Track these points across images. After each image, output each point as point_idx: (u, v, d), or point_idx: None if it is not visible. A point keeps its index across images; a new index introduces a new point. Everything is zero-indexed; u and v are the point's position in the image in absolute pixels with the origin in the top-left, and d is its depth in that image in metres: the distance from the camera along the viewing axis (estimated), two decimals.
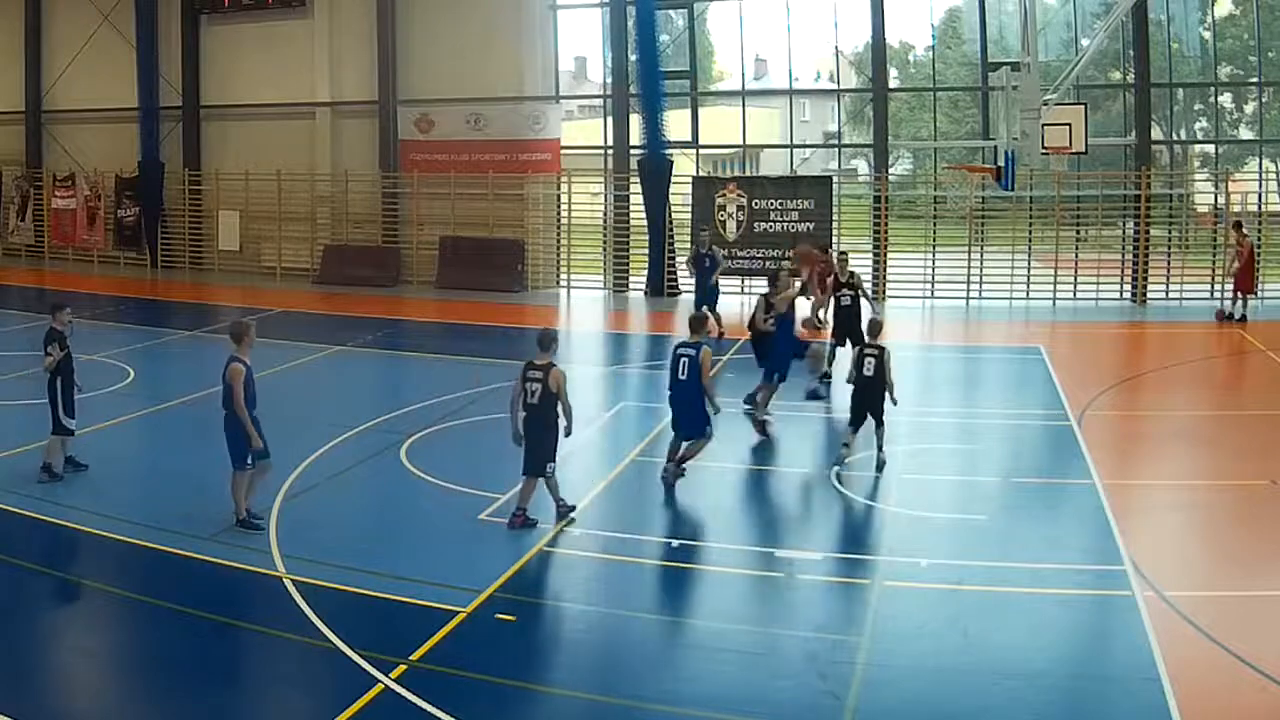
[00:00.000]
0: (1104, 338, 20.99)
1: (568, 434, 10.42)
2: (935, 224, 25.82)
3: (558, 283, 27.28)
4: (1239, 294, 21.06)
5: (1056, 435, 13.61)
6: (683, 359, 11.30)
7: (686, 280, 25.91)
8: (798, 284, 15.32)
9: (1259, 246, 23.84)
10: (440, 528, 10.63)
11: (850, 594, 9.17)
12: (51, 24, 31.34)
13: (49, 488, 11.42)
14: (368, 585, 9.03)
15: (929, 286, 24.80)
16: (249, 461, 10.24)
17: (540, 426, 10.23)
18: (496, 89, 26.79)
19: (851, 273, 16.28)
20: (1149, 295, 23.74)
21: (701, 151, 27.59)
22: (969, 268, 24.41)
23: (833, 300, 16.17)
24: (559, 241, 27.44)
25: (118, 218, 30.31)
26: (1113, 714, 7.24)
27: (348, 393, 16.38)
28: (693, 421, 11.37)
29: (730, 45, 28.01)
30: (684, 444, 11.51)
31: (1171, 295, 23.75)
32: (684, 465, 11.54)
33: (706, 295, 19.65)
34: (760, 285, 25.28)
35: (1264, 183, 25.05)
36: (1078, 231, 25.46)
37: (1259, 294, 22.54)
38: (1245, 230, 21.67)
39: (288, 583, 9.10)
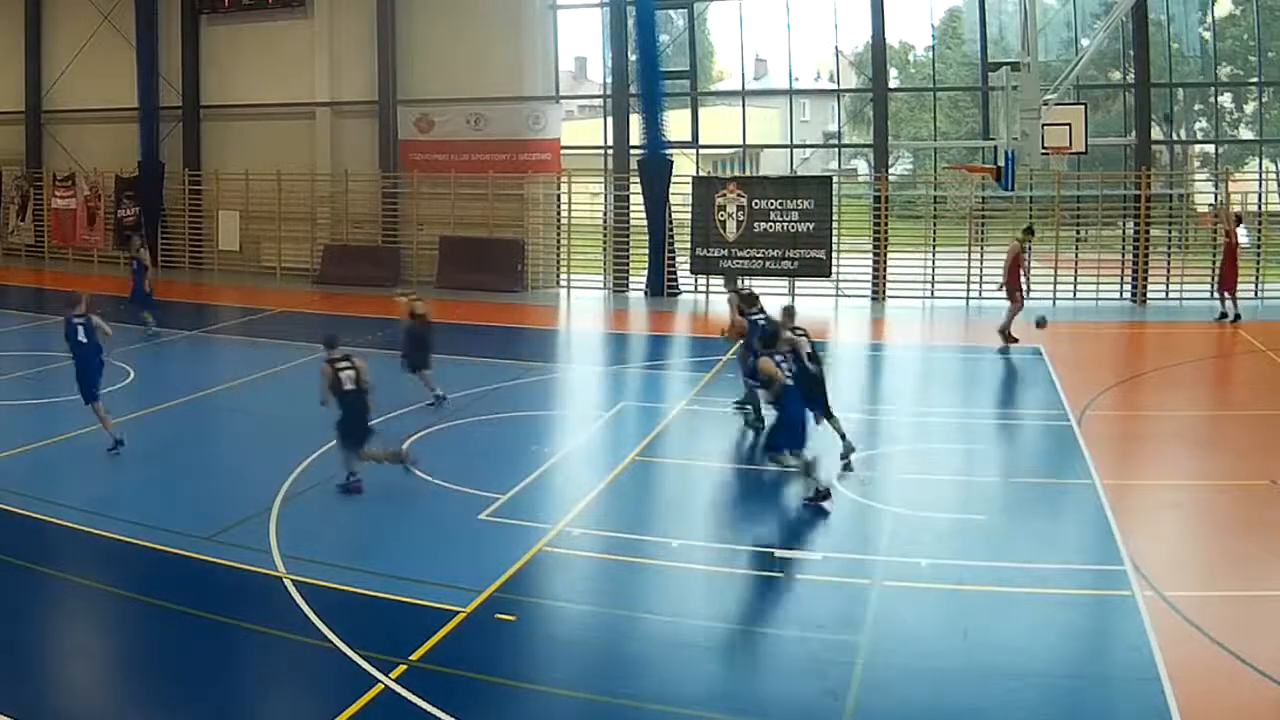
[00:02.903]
0: (1104, 338, 20.98)
1: None
2: (935, 224, 25.81)
3: (558, 283, 27.28)
4: (1224, 293, 20.98)
5: (1056, 435, 13.60)
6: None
7: (687, 280, 26.01)
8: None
9: (1259, 246, 23.88)
10: (440, 528, 10.64)
11: (850, 594, 9.16)
12: (51, 24, 31.34)
13: (48, 487, 11.41)
14: (368, 585, 9.03)
15: (929, 286, 24.80)
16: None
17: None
18: (496, 89, 26.78)
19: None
20: (1149, 295, 23.74)
21: (701, 151, 27.58)
22: (969, 268, 24.41)
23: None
24: (559, 241, 27.45)
25: (118, 218, 30.28)
26: (1113, 714, 7.24)
27: None
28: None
29: (730, 45, 28.01)
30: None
31: (1171, 295, 23.74)
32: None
33: (143, 297, 20.37)
34: (761, 285, 25.42)
35: (1264, 183, 25.07)
36: (1078, 231, 25.46)
37: (1259, 294, 22.59)
38: (1237, 226, 21.46)
39: (288, 583, 9.10)
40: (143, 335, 19.44)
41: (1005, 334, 18.83)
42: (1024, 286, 18.85)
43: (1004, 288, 19.41)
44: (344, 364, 11.53)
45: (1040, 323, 18.49)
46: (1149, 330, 21.84)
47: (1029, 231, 20.37)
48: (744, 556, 9.90)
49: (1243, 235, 22.20)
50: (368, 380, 11.56)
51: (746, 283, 15.70)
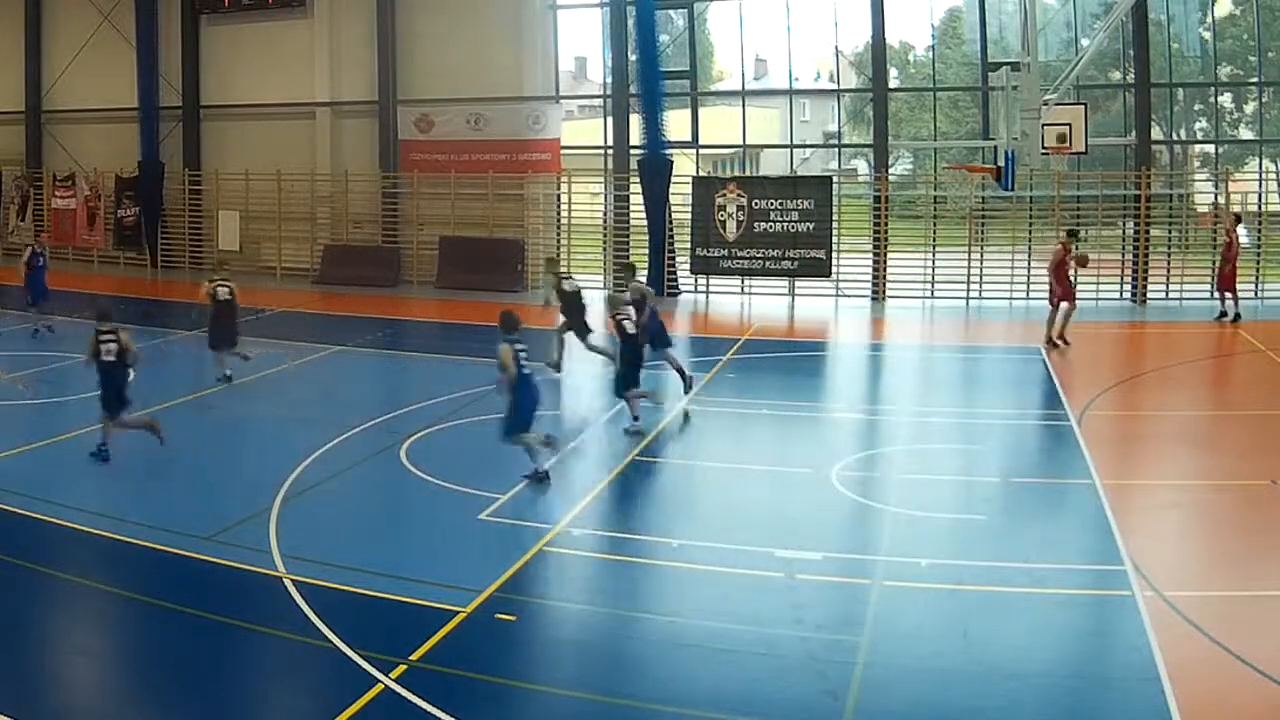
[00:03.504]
0: (1104, 338, 20.98)
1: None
2: (935, 224, 25.81)
3: None
4: (1224, 293, 20.94)
5: (1056, 435, 13.61)
6: None
7: (687, 280, 26.01)
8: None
9: (1259, 246, 23.88)
10: (440, 528, 10.63)
11: (850, 594, 9.16)
12: (51, 24, 31.35)
13: (48, 487, 11.40)
14: (368, 585, 9.02)
15: (929, 286, 24.80)
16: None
17: None
18: (496, 89, 26.80)
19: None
20: (1149, 295, 23.74)
21: (701, 151, 27.58)
22: (969, 268, 24.41)
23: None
24: (559, 241, 27.44)
25: (118, 218, 30.30)
26: (1113, 714, 7.24)
27: (348, 393, 16.38)
28: None
29: (730, 45, 28.02)
30: None
31: (1171, 295, 23.75)
32: None
33: (40, 293, 20.42)
34: (761, 285, 25.51)
35: (1264, 183, 25.06)
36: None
37: (1259, 294, 22.55)
38: (1237, 226, 21.42)
39: (288, 583, 9.10)
40: (33, 331, 19.57)
41: (1060, 338, 18.66)
42: (1072, 286, 18.66)
43: (1050, 293, 18.90)
44: (108, 336, 12.18)
45: (1083, 260, 19.33)
46: (1149, 330, 21.84)
47: (1073, 235, 19.71)
48: (744, 556, 9.89)
49: (1243, 235, 22.19)
50: (134, 354, 12.35)
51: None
